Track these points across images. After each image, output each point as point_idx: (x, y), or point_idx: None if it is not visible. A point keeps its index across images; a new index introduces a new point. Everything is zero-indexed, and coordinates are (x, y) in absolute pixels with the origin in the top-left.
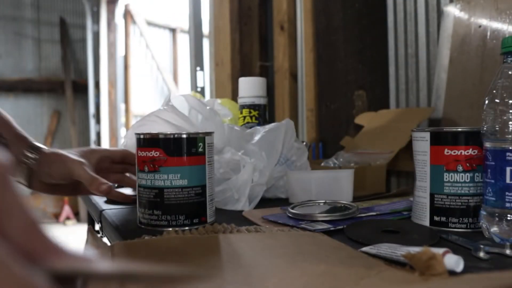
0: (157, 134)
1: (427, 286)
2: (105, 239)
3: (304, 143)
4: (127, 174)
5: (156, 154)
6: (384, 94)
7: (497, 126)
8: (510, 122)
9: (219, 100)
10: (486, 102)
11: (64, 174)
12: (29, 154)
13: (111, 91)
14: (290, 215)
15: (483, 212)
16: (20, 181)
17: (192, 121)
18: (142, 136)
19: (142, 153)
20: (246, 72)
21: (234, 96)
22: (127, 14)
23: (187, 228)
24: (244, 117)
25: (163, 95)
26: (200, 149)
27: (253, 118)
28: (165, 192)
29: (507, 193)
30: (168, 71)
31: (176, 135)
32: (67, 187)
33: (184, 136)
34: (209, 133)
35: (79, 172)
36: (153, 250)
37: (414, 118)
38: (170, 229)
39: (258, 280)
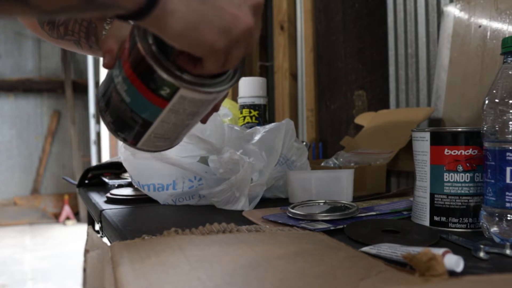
0: (143, 38)
1: (427, 287)
2: (105, 239)
3: (304, 143)
4: None
5: (126, 47)
6: (384, 94)
7: (497, 126)
8: (510, 122)
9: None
10: (486, 102)
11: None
12: (106, 27)
13: None
14: (290, 215)
15: (483, 212)
16: None
17: None
18: (136, 29)
19: (128, 37)
20: (246, 72)
21: (234, 96)
22: None
23: (108, 129)
24: (244, 117)
25: None
26: (162, 93)
27: (253, 118)
28: (112, 84)
29: (507, 193)
30: None
31: (144, 50)
32: None
33: (150, 61)
34: (195, 88)
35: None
36: (153, 250)
37: (414, 118)
38: (100, 115)
39: (258, 280)
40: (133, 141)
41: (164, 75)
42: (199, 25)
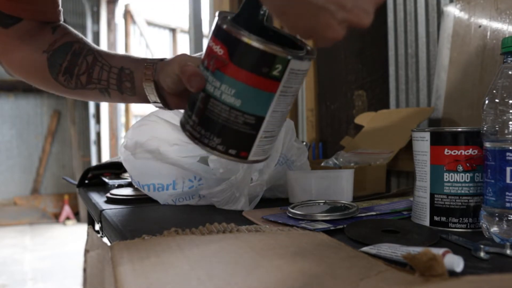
0: (233, 28)
1: (427, 287)
2: (105, 239)
3: (304, 143)
4: None
5: (220, 52)
6: (384, 94)
7: (497, 126)
8: (510, 122)
9: None
10: (486, 102)
11: (170, 75)
12: (148, 72)
13: None
14: (290, 215)
15: (483, 212)
16: (155, 100)
17: None
18: (219, 22)
19: (211, 44)
20: None
21: None
22: (127, 14)
23: (215, 153)
24: None
25: None
26: (275, 73)
27: None
28: (211, 101)
29: (507, 193)
30: None
31: (249, 39)
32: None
33: (259, 45)
34: (301, 56)
35: (178, 64)
36: (153, 250)
37: (414, 118)
38: (200, 145)
39: (258, 280)
40: (245, 153)
41: (277, 52)
42: None
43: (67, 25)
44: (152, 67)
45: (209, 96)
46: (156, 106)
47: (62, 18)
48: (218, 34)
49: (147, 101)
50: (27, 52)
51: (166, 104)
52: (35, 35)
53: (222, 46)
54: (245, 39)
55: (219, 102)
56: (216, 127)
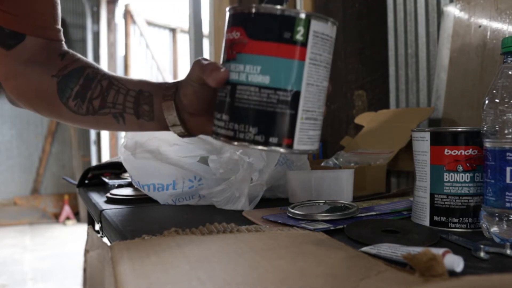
0: (246, 6)
1: (427, 287)
2: (105, 239)
3: None
4: None
5: (237, 35)
6: (384, 94)
7: (497, 126)
8: (510, 122)
9: None
10: (486, 102)
11: (191, 83)
12: (167, 92)
13: None
14: (290, 215)
15: (483, 212)
16: (174, 122)
17: None
18: (230, 11)
19: (226, 36)
20: None
21: None
22: (127, 14)
23: (256, 147)
24: None
25: None
26: (298, 36)
27: None
28: (238, 89)
29: (507, 193)
30: (168, 71)
31: (264, 9)
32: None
33: (275, 11)
34: (320, 17)
35: (197, 67)
36: (153, 250)
37: (414, 118)
38: (237, 142)
39: (258, 280)
40: (288, 139)
41: (295, 13)
42: None
43: (75, 52)
44: (172, 88)
45: (235, 85)
46: (175, 131)
47: (62, 38)
48: (231, 21)
49: (166, 127)
50: (33, 77)
51: (186, 128)
52: (42, 61)
53: (237, 29)
54: (259, 9)
55: (247, 85)
56: (250, 115)
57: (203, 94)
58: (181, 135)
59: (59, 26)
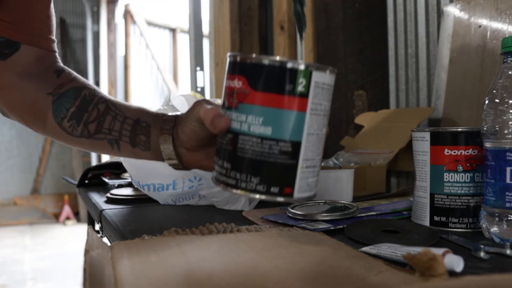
0: (248, 56)
1: (427, 287)
2: (105, 239)
3: None
4: None
5: (239, 84)
6: (384, 94)
7: (497, 126)
8: (510, 122)
9: (219, 100)
10: (486, 102)
11: (190, 122)
12: (165, 126)
13: (111, 91)
14: (290, 215)
15: (483, 212)
16: (170, 156)
17: None
18: (230, 59)
19: (227, 83)
20: None
21: None
22: (127, 14)
23: (257, 196)
24: None
25: (163, 95)
26: (300, 88)
27: None
28: (240, 139)
29: (507, 193)
30: (168, 71)
31: (268, 61)
32: (208, 146)
33: (279, 64)
34: (321, 68)
35: (198, 109)
36: (153, 250)
37: (414, 118)
38: (239, 191)
39: (258, 280)
40: (289, 189)
41: (298, 65)
42: None
43: (71, 70)
44: (170, 122)
45: (237, 134)
46: (170, 164)
47: (56, 49)
48: (233, 69)
49: (161, 158)
50: (28, 92)
51: (181, 162)
52: (37, 75)
53: (240, 78)
54: (262, 61)
55: (249, 136)
56: (251, 165)
57: (202, 133)
58: (176, 168)
59: (54, 37)
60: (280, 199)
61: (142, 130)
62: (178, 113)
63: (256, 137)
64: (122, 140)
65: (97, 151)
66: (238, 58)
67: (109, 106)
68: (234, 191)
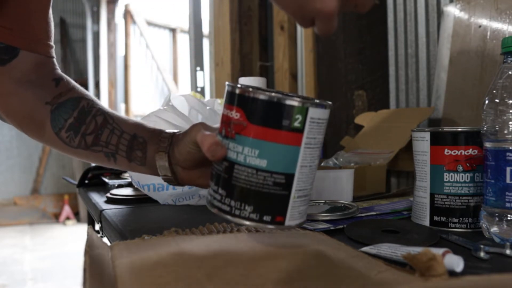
0: (247, 89)
1: (427, 287)
2: (105, 239)
3: None
4: None
5: (236, 115)
6: (384, 94)
7: (497, 126)
8: (510, 122)
9: (219, 100)
10: (486, 102)
11: (187, 144)
12: (162, 144)
13: (111, 91)
14: None
15: (483, 212)
16: (165, 173)
17: (192, 121)
18: (229, 89)
19: (225, 112)
20: (246, 72)
21: None
22: (127, 14)
23: (249, 223)
24: None
25: (163, 95)
26: (296, 124)
27: None
28: (235, 168)
29: (507, 193)
30: (168, 71)
31: (265, 96)
32: (204, 167)
33: (276, 100)
34: (317, 104)
35: (195, 133)
36: (153, 250)
37: (414, 118)
38: (232, 218)
39: (258, 280)
40: (280, 217)
41: (294, 102)
42: None
43: (70, 79)
44: (167, 140)
45: (233, 164)
46: (165, 180)
47: (54, 55)
48: (231, 99)
49: (156, 173)
50: (26, 99)
51: (176, 179)
52: (36, 83)
53: (238, 110)
54: (260, 96)
55: (244, 166)
56: (246, 194)
57: (198, 155)
58: (170, 183)
59: (52, 43)
60: (271, 226)
61: (139, 145)
62: (175, 130)
63: (251, 168)
64: (118, 154)
65: (94, 161)
66: (237, 90)
67: (107, 119)
68: (228, 217)
